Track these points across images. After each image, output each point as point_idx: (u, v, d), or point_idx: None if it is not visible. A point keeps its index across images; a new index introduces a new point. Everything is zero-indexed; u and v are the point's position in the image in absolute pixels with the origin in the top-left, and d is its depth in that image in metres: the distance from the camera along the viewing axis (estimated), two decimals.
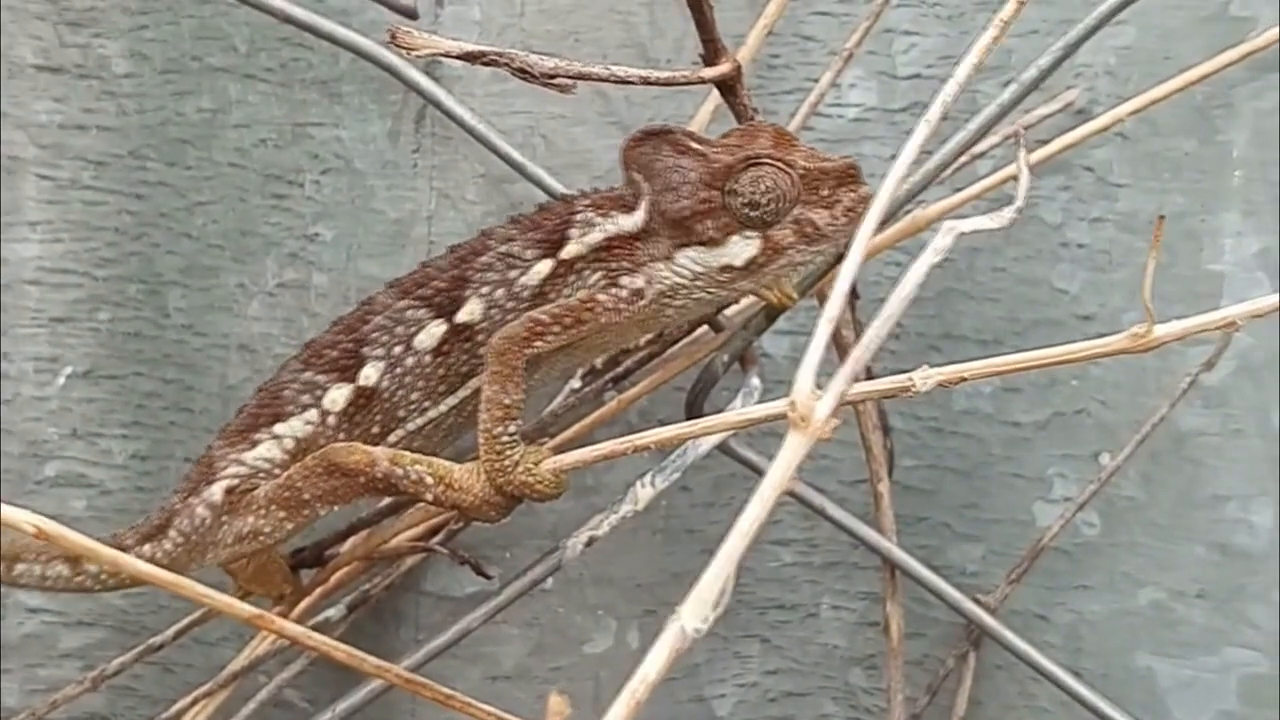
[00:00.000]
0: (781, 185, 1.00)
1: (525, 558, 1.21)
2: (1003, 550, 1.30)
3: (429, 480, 1.02)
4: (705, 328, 1.22)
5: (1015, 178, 1.20)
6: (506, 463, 1.02)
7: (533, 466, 1.02)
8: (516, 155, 1.22)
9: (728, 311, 1.21)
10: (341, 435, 1.08)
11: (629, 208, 1.04)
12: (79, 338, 1.34)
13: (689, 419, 1.18)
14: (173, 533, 1.09)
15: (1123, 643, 1.27)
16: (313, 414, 1.08)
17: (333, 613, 1.23)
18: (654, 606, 1.33)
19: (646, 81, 1.03)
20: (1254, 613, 1.23)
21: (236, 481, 1.09)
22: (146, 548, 1.09)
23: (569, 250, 1.05)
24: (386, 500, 1.21)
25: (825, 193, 1.01)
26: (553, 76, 1.00)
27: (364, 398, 1.08)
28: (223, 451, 1.10)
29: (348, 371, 1.08)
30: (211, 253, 1.32)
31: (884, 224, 1.16)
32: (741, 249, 1.02)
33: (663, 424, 1.05)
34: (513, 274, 1.06)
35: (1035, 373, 1.27)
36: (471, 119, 1.22)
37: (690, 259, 1.03)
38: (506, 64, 0.99)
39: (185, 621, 1.21)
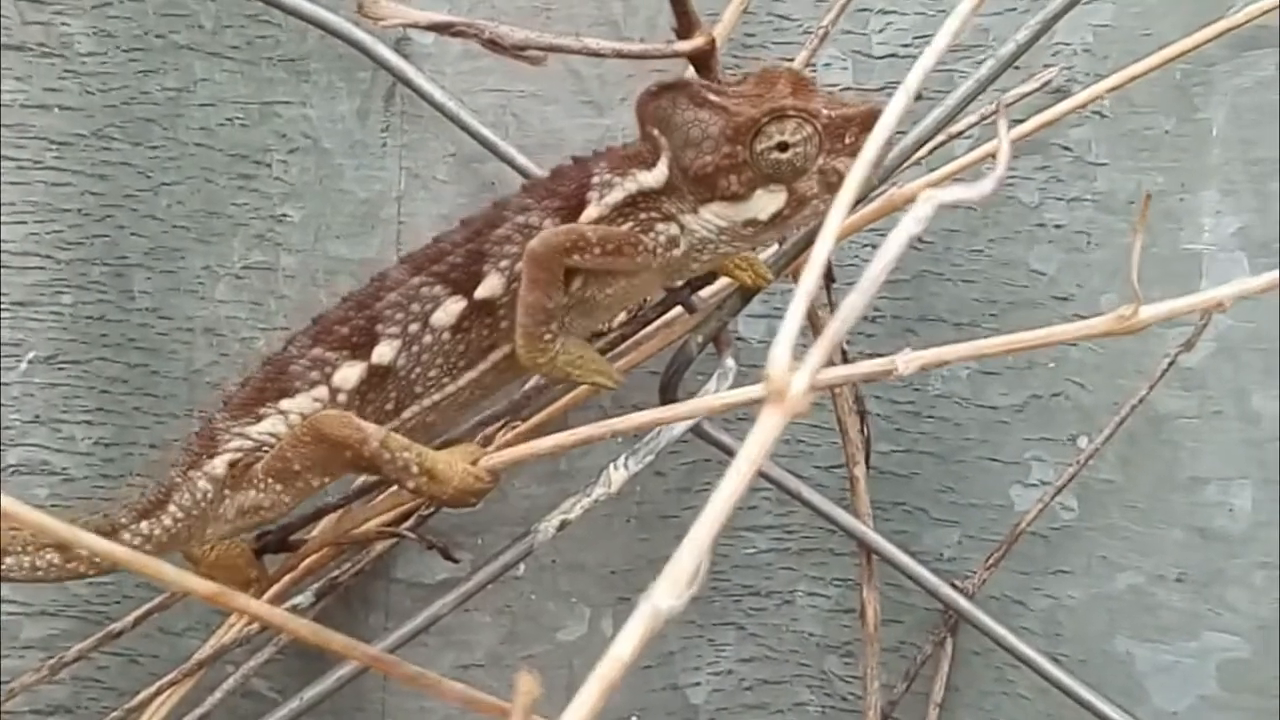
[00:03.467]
0: (807, 137, 0.98)
1: (497, 544, 1.20)
2: (980, 535, 1.29)
3: (414, 469, 1.02)
4: (679, 309, 1.20)
5: (993, 156, 1.19)
6: (549, 355, 1.02)
7: (572, 355, 1.03)
8: (488, 134, 1.20)
9: (702, 292, 1.19)
10: (353, 412, 1.06)
11: (648, 164, 1.02)
12: (41, 321, 1.31)
13: (663, 402, 1.17)
14: (172, 508, 1.06)
15: (1101, 628, 1.26)
16: (321, 391, 1.06)
17: (301, 599, 1.21)
18: (628, 594, 1.32)
19: (619, 54, 1.01)
20: (1233, 597, 1.22)
21: (240, 455, 1.07)
22: (144, 524, 1.06)
23: (589, 213, 1.03)
24: (356, 483, 1.19)
25: (849, 140, 0.99)
26: (523, 48, 0.98)
27: (378, 376, 1.06)
28: (225, 424, 1.08)
29: (360, 349, 1.06)
30: (177, 234, 1.30)
31: (860, 203, 1.15)
32: (767, 202, 1.00)
33: (637, 408, 1.04)
34: None
35: (1012, 356, 1.26)
36: (442, 97, 1.20)
37: (714, 214, 1.01)
38: (476, 35, 0.97)
39: (145, 608, 1.19)
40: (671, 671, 1.34)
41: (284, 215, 1.29)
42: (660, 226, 1.03)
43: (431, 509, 1.21)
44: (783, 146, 0.98)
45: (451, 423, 1.11)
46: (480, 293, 1.04)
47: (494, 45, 0.98)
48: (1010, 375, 1.27)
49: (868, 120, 0.99)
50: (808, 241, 1.09)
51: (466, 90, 1.25)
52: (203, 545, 1.10)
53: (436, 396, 1.07)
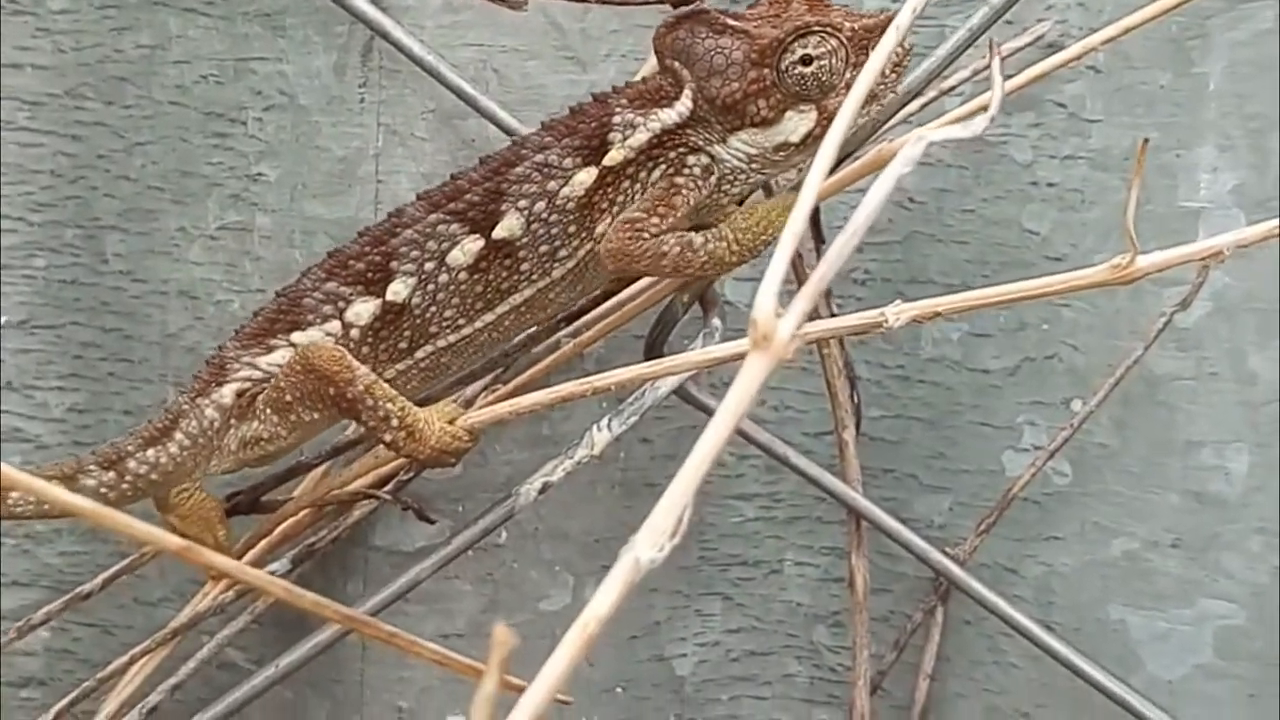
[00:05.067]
0: (835, 52, 0.97)
1: (478, 510, 1.17)
2: (971, 501, 1.26)
3: (394, 422, 1.01)
4: None
5: (985, 108, 1.16)
6: (732, 252, 1.02)
7: (748, 224, 1.02)
8: (468, 89, 1.18)
9: None
10: (365, 349, 1.05)
11: (670, 98, 1.01)
12: (14, 285, 1.28)
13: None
14: (179, 435, 1.06)
15: (1095, 595, 1.24)
16: (334, 325, 1.05)
17: (277, 566, 1.18)
18: (611, 562, 1.28)
19: (602, 1, 0.99)
20: (1229, 562, 1.20)
21: (248, 385, 1.06)
22: (150, 452, 1.06)
23: (614, 156, 1.02)
24: (331, 443, 1.17)
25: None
26: None
27: (392, 313, 1.05)
28: (236, 354, 1.07)
29: (374, 285, 1.04)
30: (151, 195, 1.27)
31: (849, 157, 1.13)
32: (797, 124, 0.99)
33: None
34: (552, 185, 1.02)
35: (1004, 317, 1.24)
36: (421, 51, 1.18)
37: (744, 142, 1.01)
38: None
39: (114, 569, 1.16)
40: (657, 642, 1.32)
41: (259, 174, 1.26)
42: (691, 160, 1.02)
43: (411, 473, 1.18)
44: (809, 63, 0.97)
45: (467, 364, 1.10)
46: (498, 232, 1.03)
47: None
48: (1002, 337, 1.25)
49: (887, 30, 0.98)
50: (794, 192, 1.06)
51: (446, 45, 1.22)
52: (204, 477, 1.09)
53: (452, 338, 1.06)
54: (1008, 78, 1.18)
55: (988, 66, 1.16)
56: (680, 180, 1.01)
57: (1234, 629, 1.20)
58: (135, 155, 1.27)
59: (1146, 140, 0.88)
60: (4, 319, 1.29)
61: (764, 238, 1.02)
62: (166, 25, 1.26)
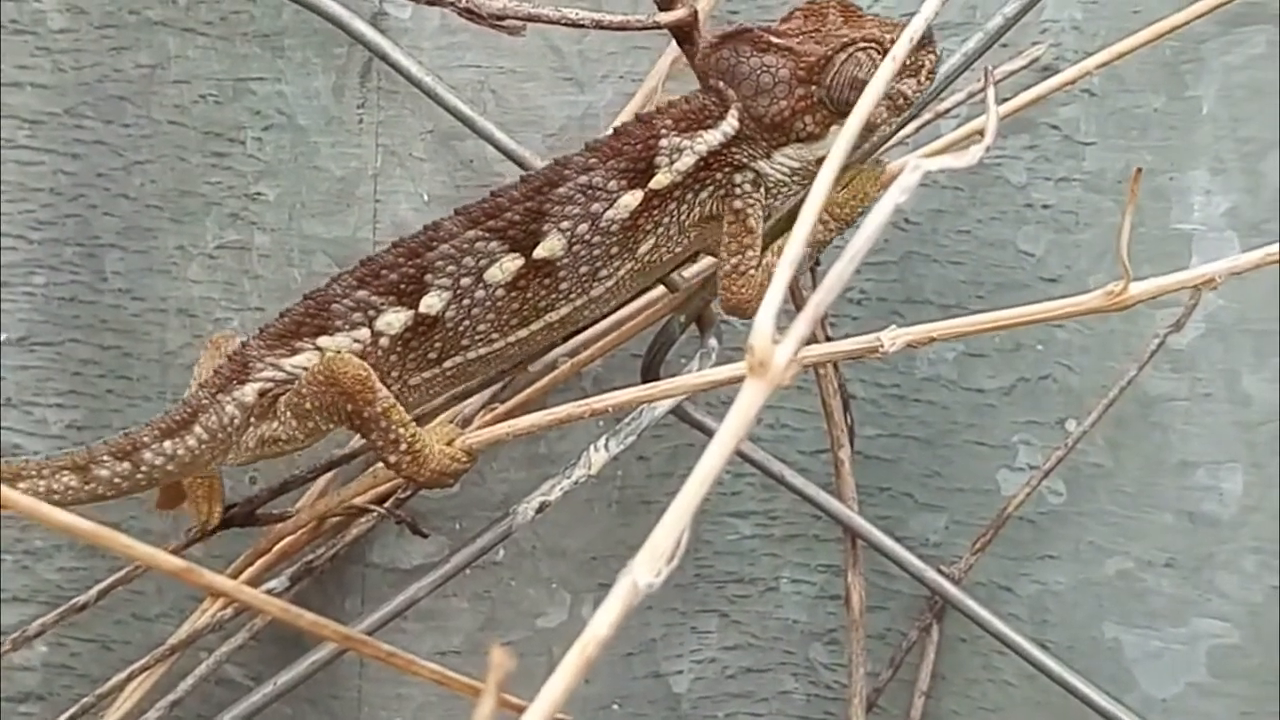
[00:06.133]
0: (875, 64, 0.98)
1: (475, 528, 1.18)
2: (966, 520, 1.27)
3: (402, 446, 1.02)
4: (660, 288, 1.18)
5: (980, 133, 1.17)
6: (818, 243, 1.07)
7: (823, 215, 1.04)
8: (466, 110, 1.18)
9: (685, 271, 1.17)
10: (394, 357, 1.05)
11: (714, 118, 1.02)
12: (14, 303, 1.29)
13: (645, 383, 1.15)
14: (198, 429, 1.05)
15: (1089, 614, 1.24)
16: (363, 333, 1.05)
17: (275, 584, 1.19)
18: (609, 580, 1.29)
19: (599, 25, 0.99)
20: (1223, 582, 1.20)
21: (271, 386, 1.06)
22: (168, 444, 1.05)
23: (660, 180, 1.02)
24: (326, 457, 1.18)
25: (909, 61, 1.00)
26: (501, 18, 0.96)
27: (424, 325, 1.05)
28: (260, 353, 1.06)
29: (407, 296, 1.04)
30: (150, 214, 1.28)
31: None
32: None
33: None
34: (596, 207, 1.02)
35: (999, 338, 1.25)
36: (419, 72, 1.18)
37: (788, 157, 1.02)
38: (453, 4, 0.95)
39: (110, 580, 1.17)
40: (654, 659, 1.32)
41: (258, 194, 1.27)
42: (739, 178, 1.03)
43: (409, 491, 1.19)
44: (859, 81, 0.98)
45: (491, 372, 1.12)
46: (539, 252, 1.03)
47: (471, 14, 0.97)
48: (997, 358, 1.25)
49: (921, 39, 0.99)
50: (791, 219, 1.07)
51: (444, 66, 1.23)
52: (218, 469, 1.11)
53: (483, 350, 1.07)
54: (1003, 100, 1.19)
55: (983, 91, 1.17)
56: (739, 204, 1.02)
57: (1228, 648, 1.20)
58: (134, 174, 1.28)
59: (1140, 170, 0.88)
60: (3, 336, 1.29)
61: (860, 207, 1.04)
62: (166, 45, 1.26)
